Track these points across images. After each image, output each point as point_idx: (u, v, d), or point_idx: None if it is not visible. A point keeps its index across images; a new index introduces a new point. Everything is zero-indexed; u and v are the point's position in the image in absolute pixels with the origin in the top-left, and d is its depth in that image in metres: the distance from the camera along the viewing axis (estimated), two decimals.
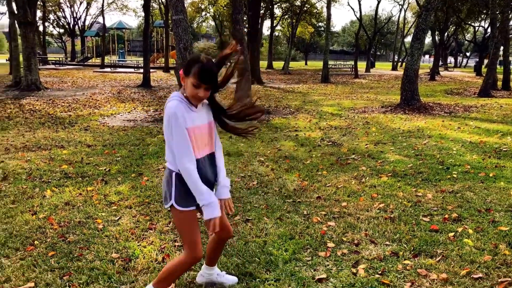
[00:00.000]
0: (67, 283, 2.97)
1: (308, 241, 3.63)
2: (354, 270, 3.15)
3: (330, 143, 7.79)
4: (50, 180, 5.42)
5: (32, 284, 2.94)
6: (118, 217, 4.18)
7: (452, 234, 3.76)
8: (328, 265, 3.24)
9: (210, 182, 2.47)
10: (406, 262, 3.27)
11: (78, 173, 5.75)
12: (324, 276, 3.06)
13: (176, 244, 3.59)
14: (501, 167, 6.02)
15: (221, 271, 2.97)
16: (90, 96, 16.21)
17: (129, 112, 12.24)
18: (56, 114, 11.50)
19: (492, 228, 3.87)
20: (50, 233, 3.79)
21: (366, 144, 7.65)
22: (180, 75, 2.33)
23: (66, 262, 3.26)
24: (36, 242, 3.60)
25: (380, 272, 3.12)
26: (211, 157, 2.49)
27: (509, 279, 2.95)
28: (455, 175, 5.60)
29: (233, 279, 2.93)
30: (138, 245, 3.56)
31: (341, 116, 11.45)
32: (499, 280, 2.96)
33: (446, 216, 4.18)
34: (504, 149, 7.07)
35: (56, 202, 4.56)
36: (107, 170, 5.92)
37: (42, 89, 18.07)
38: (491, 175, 5.60)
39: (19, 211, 4.29)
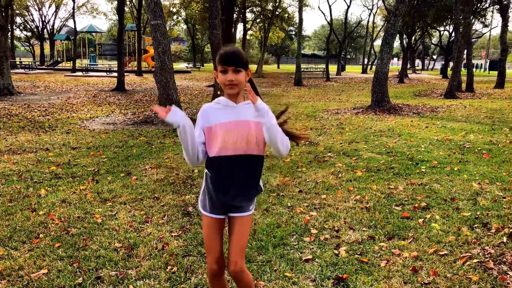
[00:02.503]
0: (77, 270, 3.24)
1: (294, 229, 4.00)
2: (336, 252, 3.53)
3: (307, 142, 8.20)
4: (42, 181, 5.62)
5: (46, 271, 3.20)
6: (114, 212, 4.45)
7: (421, 220, 4.19)
8: (313, 248, 3.62)
9: (230, 187, 2.23)
10: (382, 244, 3.68)
11: (68, 174, 5.96)
12: (310, 257, 3.43)
13: (173, 234, 3.90)
14: (465, 162, 6.54)
15: None
16: (66, 100, 16.20)
17: (107, 116, 12.37)
18: (34, 118, 11.55)
19: (456, 214, 4.32)
20: (52, 227, 4.03)
21: (341, 143, 8.10)
22: (214, 74, 2.28)
23: (73, 252, 3.53)
24: (41, 235, 3.84)
25: (359, 253, 3.51)
26: (248, 159, 2.22)
27: (469, 254, 3.39)
28: (423, 170, 6.08)
29: None
30: (138, 236, 3.85)
31: (316, 117, 11.91)
32: (461, 255, 3.39)
33: (416, 205, 4.62)
34: (467, 146, 7.63)
35: (52, 200, 4.79)
36: (95, 170, 6.15)
37: (15, 94, 17.89)
38: (455, 169, 6.10)
39: (18, 209, 4.50)
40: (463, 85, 21.90)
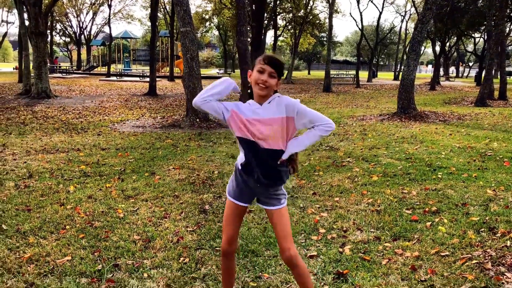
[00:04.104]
0: (97, 258, 3.52)
1: (303, 228, 4.18)
2: (341, 250, 3.70)
3: (328, 147, 8.34)
4: (71, 178, 5.99)
5: (69, 258, 3.49)
6: (136, 208, 4.74)
7: (429, 223, 4.30)
8: (319, 246, 3.79)
9: (254, 171, 2.44)
10: (386, 244, 3.82)
11: (96, 172, 6.32)
12: (315, 253, 3.61)
13: (189, 229, 4.15)
14: (484, 169, 6.55)
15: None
16: (99, 104, 16.85)
17: (137, 119, 12.84)
18: (68, 120, 12.11)
19: (465, 219, 4.40)
20: (78, 220, 4.35)
21: (361, 149, 8.20)
22: (248, 74, 2.46)
23: (95, 242, 3.82)
24: (67, 227, 4.16)
25: (363, 252, 3.67)
26: (273, 153, 2.41)
27: (470, 255, 3.50)
28: (440, 176, 6.14)
29: None
30: (155, 230, 4.12)
31: (340, 123, 12.01)
32: (462, 257, 3.50)
33: (427, 209, 4.72)
34: (489, 154, 7.61)
35: (80, 196, 5.13)
36: (122, 169, 6.49)
37: (52, 97, 18.73)
38: (473, 175, 6.13)
39: (49, 203, 4.86)
40: (496, 93, 21.47)
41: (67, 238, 3.91)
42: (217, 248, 3.73)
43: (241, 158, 2.49)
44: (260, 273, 3.29)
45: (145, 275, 3.27)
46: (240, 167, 2.50)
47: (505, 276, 3.17)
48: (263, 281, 3.18)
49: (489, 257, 3.48)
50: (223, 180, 5.87)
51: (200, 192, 5.37)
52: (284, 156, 2.43)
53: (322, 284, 3.14)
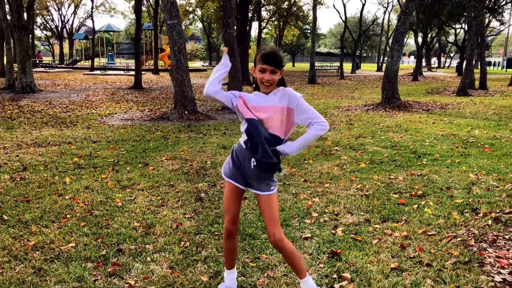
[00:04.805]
0: (101, 244, 3.66)
1: (296, 212, 4.36)
2: (333, 232, 3.89)
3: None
4: (66, 170, 6.08)
5: (73, 244, 3.62)
6: (133, 197, 4.87)
7: (416, 206, 4.52)
8: (312, 228, 3.98)
9: (258, 147, 2.56)
10: (376, 226, 4.02)
11: (89, 164, 6.41)
12: (309, 235, 3.80)
13: (187, 216, 4.30)
14: (466, 155, 6.82)
15: None
16: (85, 98, 16.78)
17: (125, 112, 12.87)
18: (56, 114, 12.10)
19: (449, 201, 4.64)
20: (77, 209, 4.46)
21: (348, 138, 8.42)
22: (252, 70, 2.64)
23: (97, 230, 3.95)
24: (68, 216, 4.28)
25: (354, 233, 3.87)
26: (273, 138, 2.58)
27: (454, 234, 3.72)
28: (424, 162, 6.38)
29: None
30: (154, 217, 4.26)
31: (327, 114, 12.23)
32: (447, 235, 3.72)
33: (413, 193, 4.95)
34: (471, 141, 7.89)
35: (77, 187, 5.23)
36: (115, 161, 6.59)
37: (37, 92, 18.56)
38: (456, 161, 6.39)
39: (47, 194, 4.95)
40: (477, 83, 21.93)
41: (69, 226, 4.02)
42: (215, 233, 3.89)
43: (243, 138, 2.66)
44: (259, 254, 3.46)
45: (148, 258, 3.41)
46: (242, 145, 2.65)
47: (487, 251, 3.40)
48: (261, 261, 3.35)
49: (472, 235, 3.71)
50: (216, 170, 6.02)
51: (195, 181, 5.51)
52: (280, 148, 2.59)
53: (317, 262, 3.33)
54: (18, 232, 3.89)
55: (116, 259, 3.40)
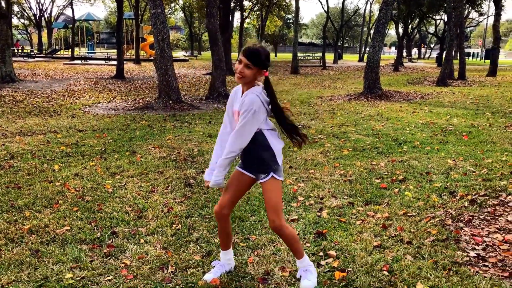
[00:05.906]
0: (95, 227, 3.77)
1: (283, 196, 4.53)
2: (318, 214, 4.07)
3: (300, 126, 8.71)
4: (54, 158, 6.13)
5: (68, 228, 3.73)
6: (123, 183, 4.97)
7: (397, 189, 4.73)
8: (298, 211, 4.15)
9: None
10: (359, 208, 4.22)
11: (77, 153, 6.47)
12: (296, 217, 3.97)
13: (177, 200, 4.43)
14: (445, 142, 7.07)
15: None
16: (67, 88, 16.64)
17: (109, 102, 12.85)
18: (38, 104, 12.02)
19: (429, 185, 4.86)
20: (69, 195, 4.55)
21: (332, 126, 8.62)
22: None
23: (90, 214, 4.05)
24: (60, 201, 4.37)
25: (338, 215, 4.05)
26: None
27: (433, 215, 3.94)
28: (405, 149, 6.61)
29: None
30: (145, 202, 4.38)
31: (310, 103, 12.42)
32: (426, 216, 3.94)
33: (394, 178, 5.16)
34: (450, 129, 8.17)
35: (66, 174, 5.31)
36: (103, 149, 6.66)
37: (17, 81, 18.30)
38: (435, 148, 6.64)
39: (37, 181, 5.02)
40: (456, 73, 22.38)
41: (62, 211, 4.12)
42: (206, 216, 4.03)
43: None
44: (248, 235, 3.62)
45: (142, 240, 3.54)
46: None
47: (463, 230, 3.62)
48: (251, 241, 3.52)
49: (450, 215, 3.94)
50: (203, 157, 6.14)
51: (183, 168, 5.63)
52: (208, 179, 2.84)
53: (304, 242, 3.50)
54: (12, 217, 3.97)
55: (110, 241, 3.52)
